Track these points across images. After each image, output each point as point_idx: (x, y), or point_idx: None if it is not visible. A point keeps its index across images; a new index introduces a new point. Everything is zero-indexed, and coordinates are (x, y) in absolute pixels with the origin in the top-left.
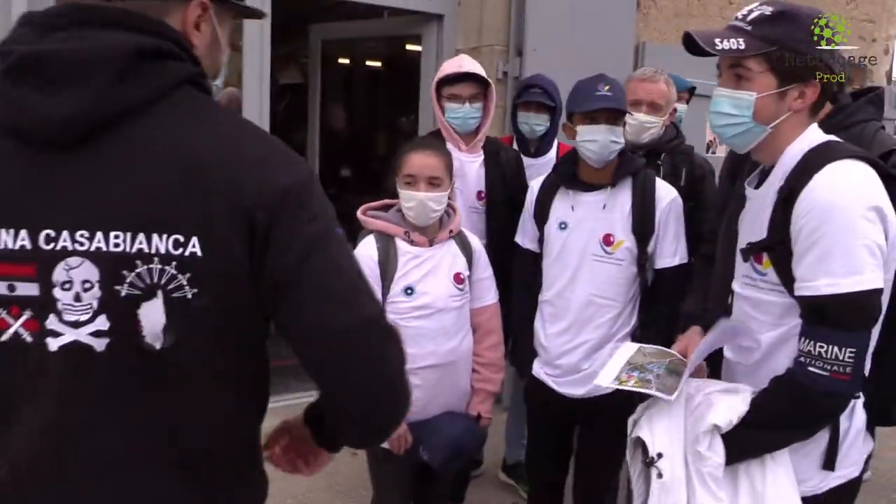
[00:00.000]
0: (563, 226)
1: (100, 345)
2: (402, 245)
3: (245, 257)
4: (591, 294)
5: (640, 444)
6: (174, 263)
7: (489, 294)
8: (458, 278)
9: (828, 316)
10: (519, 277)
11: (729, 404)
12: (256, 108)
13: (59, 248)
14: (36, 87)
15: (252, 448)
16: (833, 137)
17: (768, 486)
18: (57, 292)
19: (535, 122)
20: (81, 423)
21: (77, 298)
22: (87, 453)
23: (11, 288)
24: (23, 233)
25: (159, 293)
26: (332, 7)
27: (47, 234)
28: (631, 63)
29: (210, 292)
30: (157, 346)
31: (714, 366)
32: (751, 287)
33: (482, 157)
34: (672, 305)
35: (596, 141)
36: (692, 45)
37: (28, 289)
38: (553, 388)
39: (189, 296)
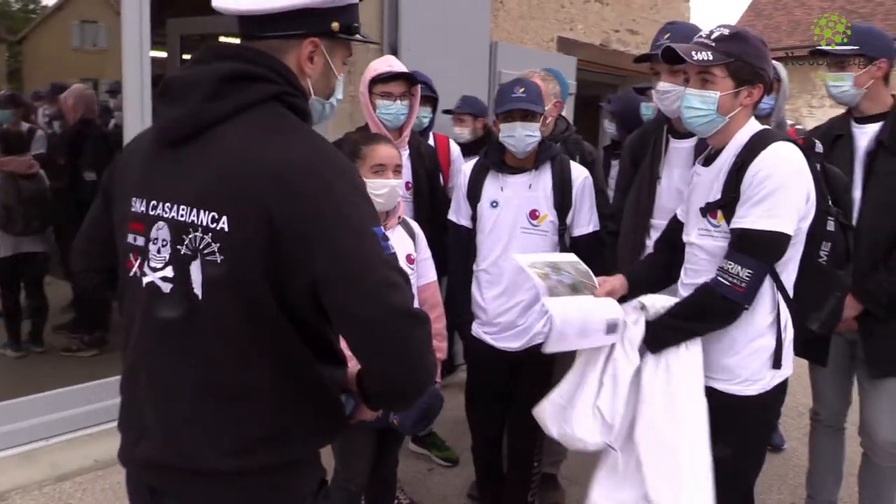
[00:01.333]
0: (494, 204)
1: (166, 287)
2: None
3: (263, 243)
4: None
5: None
6: (210, 234)
7: (430, 272)
8: (409, 259)
9: (742, 243)
10: (455, 250)
11: (656, 297)
12: (138, 106)
13: (155, 214)
14: (165, 102)
15: (290, 405)
16: (767, 126)
17: (681, 363)
18: (150, 245)
19: (422, 115)
20: (148, 350)
21: (158, 251)
22: (161, 359)
23: (135, 239)
24: (144, 201)
25: (199, 255)
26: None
27: (152, 204)
28: (487, 59)
29: (231, 260)
30: (200, 295)
31: None
32: (706, 237)
33: (408, 150)
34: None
35: (513, 136)
36: (671, 55)
37: (141, 241)
38: (493, 344)
39: (217, 260)
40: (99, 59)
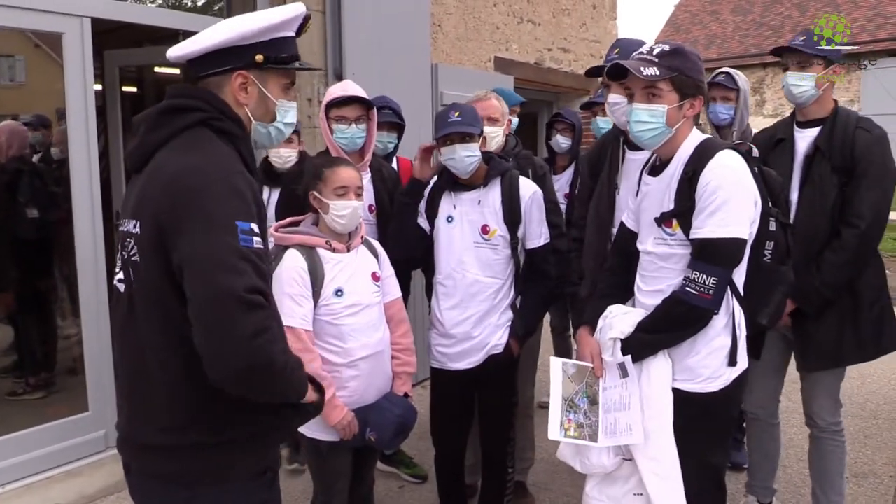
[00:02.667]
0: (449, 219)
1: (122, 287)
2: (324, 253)
3: (154, 239)
4: (476, 274)
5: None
6: (133, 238)
7: (395, 289)
8: (374, 277)
9: (705, 253)
10: None
11: (622, 322)
12: (84, 138)
13: (122, 230)
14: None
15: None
16: (708, 135)
17: (658, 368)
18: (118, 256)
19: (387, 140)
20: (116, 330)
21: (120, 259)
22: (120, 349)
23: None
24: (123, 221)
25: (130, 257)
26: (119, 30)
27: (123, 222)
28: (429, 80)
29: (142, 258)
30: (126, 290)
31: None
32: (662, 245)
33: (369, 174)
34: (543, 275)
35: (453, 158)
36: (617, 72)
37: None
38: (451, 368)
39: (137, 258)
40: (17, 95)
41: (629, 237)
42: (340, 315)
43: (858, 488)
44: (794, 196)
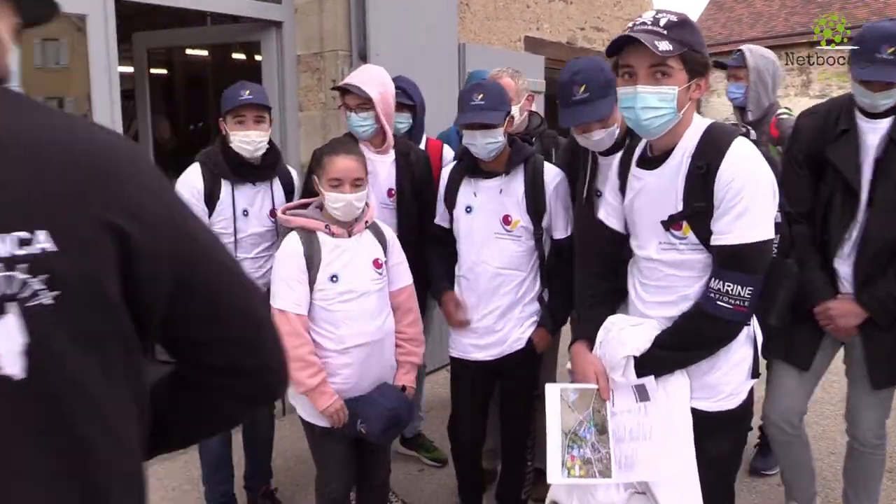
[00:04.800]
0: (468, 209)
1: None
2: (323, 237)
3: (112, 259)
4: (498, 267)
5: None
6: (23, 266)
7: (405, 276)
8: (376, 263)
9: (737, 260)
10: (432, 248)
11: (635, 337)
12: (108, 122)
13: None
14: None
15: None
16: (710, 119)
17: (672, 391)
18: None
19: (397, 121)
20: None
21: None
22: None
23: None
24: None
25: (11, 306)
26: (148, 12)
27: None
28: (456, 61)
29: (73, 293)
30: (19, 373)
31: None
32: (671, 251)
33: (393, 157)
34: (572, 269)
35: (474, 144)
36: (617, 48)
37: None
38: (471, 358)
39: (49, 301)
40: (62, 78)
41: (615, 239)
42: (333, 301)
43: (891, 483)
44: (864, 195)
